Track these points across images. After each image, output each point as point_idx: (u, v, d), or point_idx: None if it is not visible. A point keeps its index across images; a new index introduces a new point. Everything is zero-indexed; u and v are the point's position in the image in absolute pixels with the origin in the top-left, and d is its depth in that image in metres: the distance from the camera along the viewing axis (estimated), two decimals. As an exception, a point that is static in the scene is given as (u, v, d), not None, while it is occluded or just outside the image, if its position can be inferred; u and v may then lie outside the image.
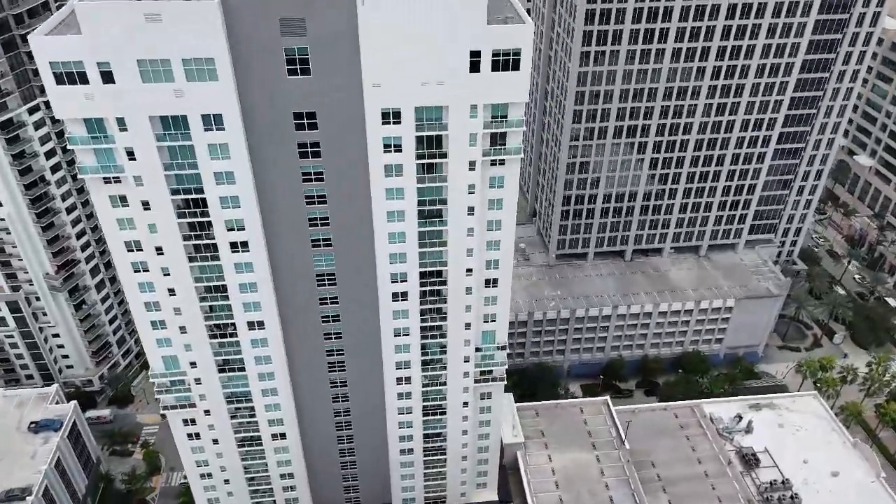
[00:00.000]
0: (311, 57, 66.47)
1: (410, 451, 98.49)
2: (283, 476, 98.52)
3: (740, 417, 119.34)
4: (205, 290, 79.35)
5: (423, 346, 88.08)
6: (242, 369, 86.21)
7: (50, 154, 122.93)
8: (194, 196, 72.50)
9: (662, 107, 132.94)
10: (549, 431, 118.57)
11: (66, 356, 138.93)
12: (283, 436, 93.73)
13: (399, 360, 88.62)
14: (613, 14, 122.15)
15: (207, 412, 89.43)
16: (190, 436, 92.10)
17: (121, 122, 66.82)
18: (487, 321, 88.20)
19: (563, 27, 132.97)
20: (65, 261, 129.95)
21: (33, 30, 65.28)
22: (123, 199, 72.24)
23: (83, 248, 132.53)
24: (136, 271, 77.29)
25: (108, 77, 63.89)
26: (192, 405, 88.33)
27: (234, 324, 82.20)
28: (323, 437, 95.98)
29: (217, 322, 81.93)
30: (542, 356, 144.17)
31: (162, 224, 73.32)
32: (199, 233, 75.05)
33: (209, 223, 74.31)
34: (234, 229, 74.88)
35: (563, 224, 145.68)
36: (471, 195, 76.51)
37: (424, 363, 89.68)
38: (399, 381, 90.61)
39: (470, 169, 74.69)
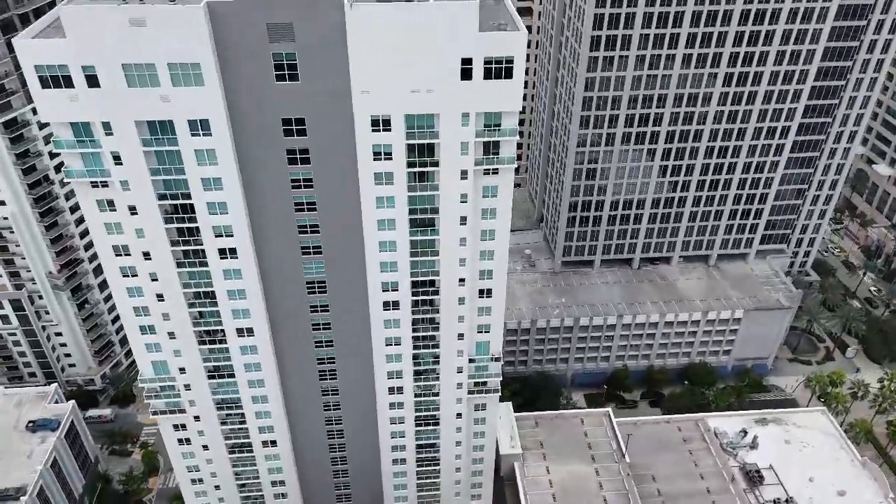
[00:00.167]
0: (300, 63, 65.28)
1: (403, 460, 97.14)
2: (274, 483, 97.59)
3: (745, 432, 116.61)
4: (193, 296, 78.49)
5: (416, 356, 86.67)
6: (232, 376, 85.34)
7: (54, 153, 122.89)
8: (182, 201, 71.57)
9: (672, 113, 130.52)
10: (548, 442, 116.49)
11: (68, 355, 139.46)
12: (273, 443, 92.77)
13: (391, 370, 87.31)
14: (622, 19, 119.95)
15: (197, 418, 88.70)
16: (180, 441, 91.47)
17: (106, 127, 66.08)
18: (481, 332, 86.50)
19: (571, 31, 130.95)
20: (67, 260, 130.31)
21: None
22: (111, 203, 71.55)
23: (86, 248, 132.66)
24: (124, 276, 76.72)
25: (93, 81, 63.15)
26: (182, 410, 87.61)
27: (223, 330, 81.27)
28: (314, 444, 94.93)
29: (206, 328, 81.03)
30: (545, 364, 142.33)
31: (149, 229, 72.54)
32: (187, 238, 74.14)
33: (197, 229, 73.39)
34: (222, 236, 73.91)
35: (570, 230, 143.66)
36: (463, 204, 74.96)
37: (417, 373, 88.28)
38: (391, 390, 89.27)
39: (462, 178, 73.14)
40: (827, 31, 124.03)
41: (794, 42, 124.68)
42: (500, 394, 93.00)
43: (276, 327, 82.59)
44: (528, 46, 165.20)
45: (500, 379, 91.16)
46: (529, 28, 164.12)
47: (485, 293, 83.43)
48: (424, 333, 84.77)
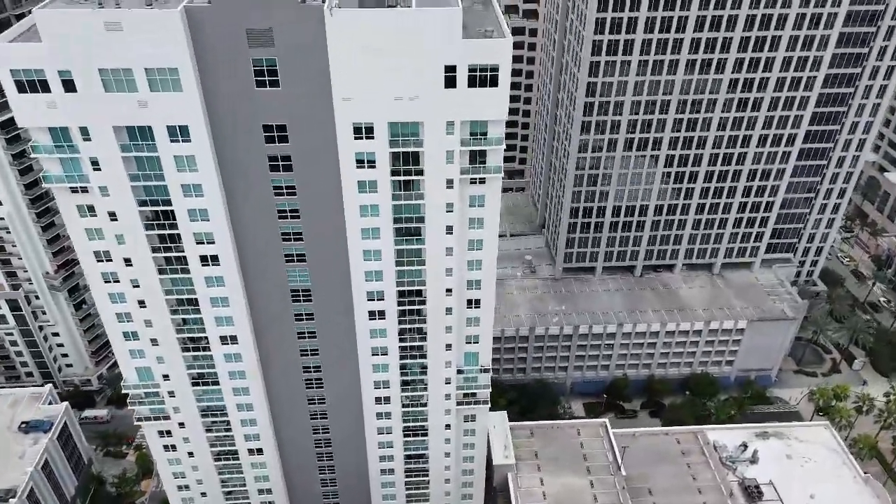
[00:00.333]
0: (280, 69, 64.01)
1: (391, 471, 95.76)
2: (261, 492, 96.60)
3: (745, 446, 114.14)
4: (176, 302, 77.52)
5: (403, 367, 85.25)
6: (217, 383, 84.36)
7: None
8: (162, 208, 70.63)
9: (676, 120, 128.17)
10: (542, 453, 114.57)
11: (65, 355, 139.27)
12: (259, 451, 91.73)
13: (377, 380, 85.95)
14: (625, 23, 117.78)
15: (182, 425, 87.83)
16: (166, 447, 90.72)
17: (84, 132, 65.17)
18: (470, 342, 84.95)
19: (573, 35, 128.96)
20: (64, 260, 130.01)
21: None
22: (91, 208, 70.71)
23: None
24: (106, 281, 75.85)
25: (69, 86, 62.21)
26: (167, 417, 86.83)
27: (206, 337, 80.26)
28: (302, 453, 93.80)
29: (189, 335, 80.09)
30: (543, 372, 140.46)
31: (129, 235, 71.60)
32: (168, 245, 73.16)
33: (178, 236, 72.41)
34: (203, 243, 72.87)
35: (571, 236, 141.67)
36: (449, 214, 73.34)
37: (405, 383, 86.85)
38: (378, 400, 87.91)
39: (448, 187, 71.54)
40: (835, 37, 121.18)
41: (802, 48, 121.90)
42: (489, 405, 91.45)
43: (261, 335, 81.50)
44: (533, 49, 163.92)
45: (490, 391, 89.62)
46: (535, 31, 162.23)
47: (473, 304, 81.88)
48: (412, 343, 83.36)
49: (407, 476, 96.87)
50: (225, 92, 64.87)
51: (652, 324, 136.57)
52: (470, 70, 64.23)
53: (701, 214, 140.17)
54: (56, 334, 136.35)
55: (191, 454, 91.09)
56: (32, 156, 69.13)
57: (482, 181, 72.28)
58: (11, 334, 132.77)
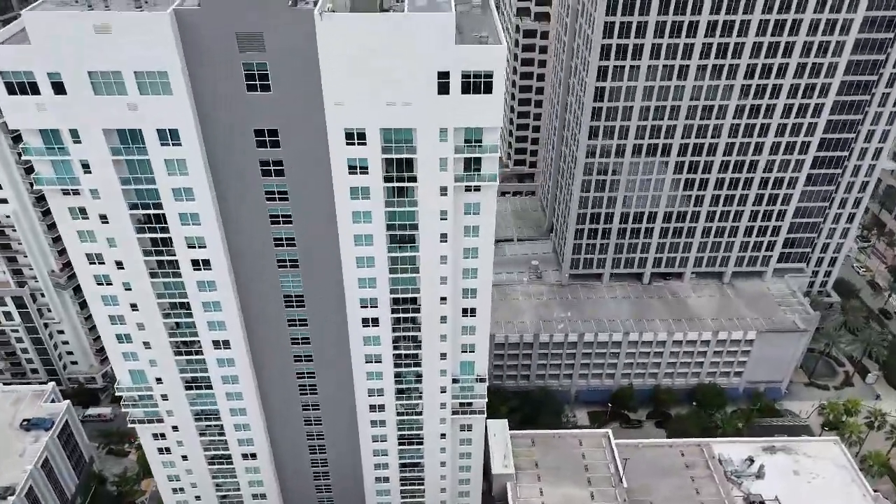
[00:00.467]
0: (271, 73, 63.26)
1: (386, 479, 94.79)
2: (255, 496, 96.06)
3: (752, 460, 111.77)
4: (169, 306, 77.07)
5: (398, 375, 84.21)
6: (210, 387, 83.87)
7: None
8: (153, 211, 70.14)
9: (686, 126, 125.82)
10: (543, 463, 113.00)
11: (70, 353, 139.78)
12: (253, 456, 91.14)
13: (371, 387, 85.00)
14: (634, 28, 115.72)
15: (176, 428, 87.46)
16: (160, 450, 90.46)
17: (74, 134, 64.98)
18: (466, 352, 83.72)
19: (582, 38, 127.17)
20: (70, 259, 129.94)
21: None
22: (83, 210, 70.50)
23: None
24: (98, 283, 75.62)
25: (59, 88, 61.92)
26: (160, 420, 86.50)
27: (199, 341, 79.72)
28: (296, 458, 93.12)
29: (182, 339, 79.60)
30: (548, 380, 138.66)
31: (121, 238, 71.30)
32: (160, 249, 72.74)
33: (170, 240, 71.94)
34: (194, 247, 72.35)
35: (578, 242, 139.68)
36: (443, 221, 72.21)
37: (399, 391, 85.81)
38: (372, 408, 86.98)
39: (442, 194, 70.40)
40: (851, 43, 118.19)
41: (816, 55, 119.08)
42: (485, 415, 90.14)
43: (254, 340, 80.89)
44: (545, 53, 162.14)
45: (486, 400, 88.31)
46: (546, 34, 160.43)
47: (469, 312, 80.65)
48: (406, 351, 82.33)
49: (402, 484, 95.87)
50: (216, 96, 64.25)
51: (659, 332, 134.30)
52: (463, 76, 63.12)
53: (711, 222, 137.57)
54: (61, 332, 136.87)
55: (185, 457, 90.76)
56: (24, 157, 68.75)
57: (477, 189, 71.06)
58: (17, 331, 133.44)
